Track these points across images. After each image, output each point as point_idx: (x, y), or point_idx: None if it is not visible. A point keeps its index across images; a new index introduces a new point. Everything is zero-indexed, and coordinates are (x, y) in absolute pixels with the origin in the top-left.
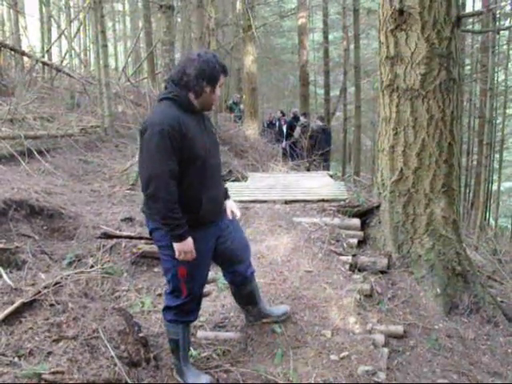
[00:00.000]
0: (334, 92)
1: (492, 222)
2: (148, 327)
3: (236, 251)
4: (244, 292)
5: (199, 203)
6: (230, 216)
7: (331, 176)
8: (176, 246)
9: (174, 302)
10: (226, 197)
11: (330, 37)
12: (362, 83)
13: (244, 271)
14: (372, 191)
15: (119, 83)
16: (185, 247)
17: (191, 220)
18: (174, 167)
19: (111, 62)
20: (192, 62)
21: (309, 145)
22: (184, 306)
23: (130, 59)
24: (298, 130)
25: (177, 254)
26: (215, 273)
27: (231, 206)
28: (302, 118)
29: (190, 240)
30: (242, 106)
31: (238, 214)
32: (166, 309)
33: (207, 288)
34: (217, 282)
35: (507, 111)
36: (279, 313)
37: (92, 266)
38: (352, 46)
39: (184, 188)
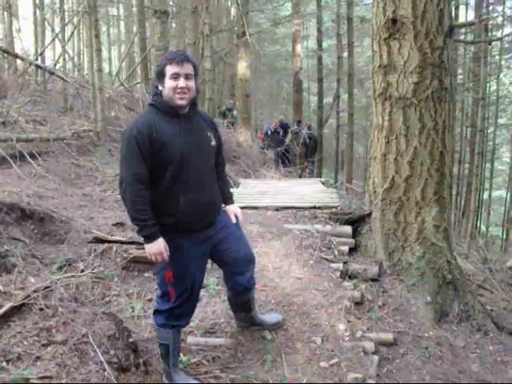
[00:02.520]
0: (328, 99)
1: (483, 230)
2: (138, 332)
3: (238, 262)
4: (241, 300)
5: (177, 204)
6: (233, 220)
7: (323, 183)
8: (145, 247)
9: (164, 305)
10: (228, 201)
11: (324, 44)
12: (355, 91)
13: (246, 282)
14: (364, 199)
15: (113, 88)
16: (153, 248)
17: (171, 223)
18: (140, 171)
19: (105, 66)
20: None
21: (301, 152)
22: (174, 311)
23: (123, 64)
24: (288, 136)
25: (147, 255)
26: (206, 279)
27: (235, 210)
28: (295, 126)
29: (159, 241)
30: (235, 112)
31: (241, 217)
32: (157, 312)
33: None
34: (207, 287)
35: (499, 121)
36: (271, 322)
37: (82, 271)
38: (346, 54)
39: (162, 189)
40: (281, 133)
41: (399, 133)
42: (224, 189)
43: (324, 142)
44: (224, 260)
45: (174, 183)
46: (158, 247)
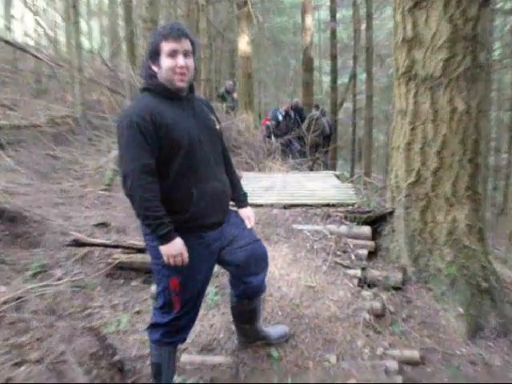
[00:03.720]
0: (342, 79)
1: None
2: (124, 349)
3: (251, 261)
4: (248, 308)
5: (189, 198)
6: (248, 225)
7: (338, 177)
8: (162, 249)
9: (164, 318)
10: (242, 203)
11: (338, 15)
12: (375, 69)
13: (260, 283)
14: (385, 195)
15: (93, 66)
16: (171, 249)
17: (181, 221)
18: (147, 161)
19: (84, 41)
20: None
21: (313, 141)
22: (175, 323)
23: (106, 39)
24: (306, 122)
25: (164, 258)
26: None
27: (248, 215)
28: (313, 111)
29: (178, 241)
30: (235, 95)
31: (253, 223)
32: (153, 327)
33: None
34: (205, 297)
35: None
36: (277, 335)
37: (60, 279)
38: (363, 27)
39: (171, 182)
40: (292, 116)
41: (426, 118)
42: (235, 186)
43: (339, 129)
44: (236, 259)
45: (184, 173)
46: (177, 247)
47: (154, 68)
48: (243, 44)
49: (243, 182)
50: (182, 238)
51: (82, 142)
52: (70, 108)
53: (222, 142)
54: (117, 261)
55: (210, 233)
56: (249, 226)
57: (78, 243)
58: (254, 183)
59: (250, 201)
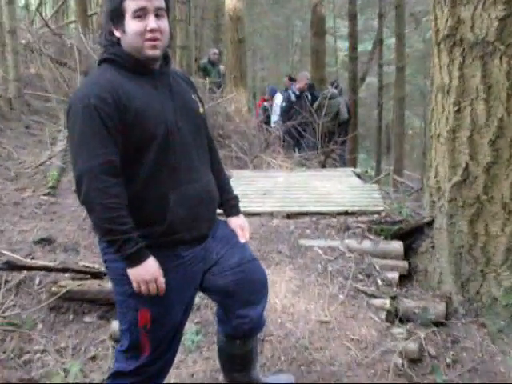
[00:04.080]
0: (365, 46)
1: None
2: None
3: (248, 287)
4: (241, 351)
5: (165, 204)
6: (241, 238)
7: (359, 175)
8: (130, 272)
9: (130, 364)
10: (232, 210)
11: None
12: (407, 32)
13: (258, 317)
14: (422, 199)
15: (31, 29)
16: (143, 273)
17: (155, 236)
18: (109, 158)
19: None
20: None
21: (326, 128)
22: (145, 370)
23: None
24: (317, 102)
25: (134, 285)
26: None
27: (241, 224)
28: (330, 88)
29: (151, 262)
30: (221, 68)
31: (247, 236)
32: (116, 376)
33: None
34: (183, 337)
35: None
36: None
37: None
38: None
39: (140, 185)
40: (309, 98)
41: (476, 96)
42: (224, 188)
43: (360, 112)
44: (224, 285)
45: (158, 173)
46: (151, 270)
47: (117, 33)
48: None
49: (233, 184)
50: (156, 257)
51: (16, 131)
52: (1, 85)
53: (207, 131)
54: (64, 289)
55: (192, 250)
56: (242, 240)
57: (11, 266)
58: (247, 185)
59: (242, 208)
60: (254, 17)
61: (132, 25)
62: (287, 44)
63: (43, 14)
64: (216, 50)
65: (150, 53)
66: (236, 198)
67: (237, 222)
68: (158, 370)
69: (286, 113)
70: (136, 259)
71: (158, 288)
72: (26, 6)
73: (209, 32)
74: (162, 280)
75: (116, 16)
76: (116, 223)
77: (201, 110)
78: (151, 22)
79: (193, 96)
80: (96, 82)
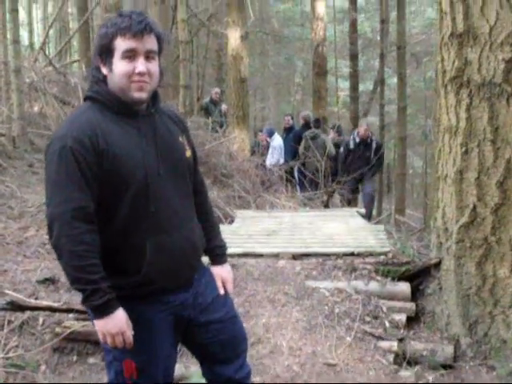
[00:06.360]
0: (366, 85)
1: None
2: None
3: (223, 346)
4: None
5: (142, 253)
6: (221, 290)
7: (363, 216)
8: (96, 323)
9: None
10: (217, 258)
11: (360, 1)
12: (408, 72)
13: (232, 374)
14: (425, 239)
15: (36, 68)
16: (109, 326)
17: (133, 285)
18: (83, 203)
19: (24, 35)
20: None
21: (326, 168)
22: None
23: (52, 32)
24: (302, 144)
25: (100, 337)
26: (184, 366)
27: (223, 276)
28: (313, 129)
29: (119, 315)
30: (223, 107)
31: (231, 288)
32: None
33: None
34: (188, 380)
35: None
36: None
37: None
38: (393, 16)
39: (116, 232)
40: (373, 145)
41: (483, 138)
42: (211, 233)
43: None
44: (205, 345)
45: (135, 220)
46: (117, 323)
47: (104, 70)
48: (234, 39)
49: (237, 224)
50: (133, 305)
51: (20, 170)
52: (5, 124)
53: (197, 174)
54: (68, 330)
55: (179, 295)
56: (221, 292)
57: (15, 306)
58: (251, 225)
59: (246, 249)
60: (256, 56)
61: (120, 65)
62: (288, 83)
63: (47, 53)
64: (218, 90)
65: (136, 95)
66: (222, 247)
67: (219, 273)
68: None
69: (343, 160)
70: (103, 311)
71: (125, 342)
72: (31, 45)
73: (211, 71)
74: (129, 334)
75: (105, 53)
76: (84, 272)
77: (187, 153)
78: (140, 64)
79: (180, 138)
80: (75, 123)
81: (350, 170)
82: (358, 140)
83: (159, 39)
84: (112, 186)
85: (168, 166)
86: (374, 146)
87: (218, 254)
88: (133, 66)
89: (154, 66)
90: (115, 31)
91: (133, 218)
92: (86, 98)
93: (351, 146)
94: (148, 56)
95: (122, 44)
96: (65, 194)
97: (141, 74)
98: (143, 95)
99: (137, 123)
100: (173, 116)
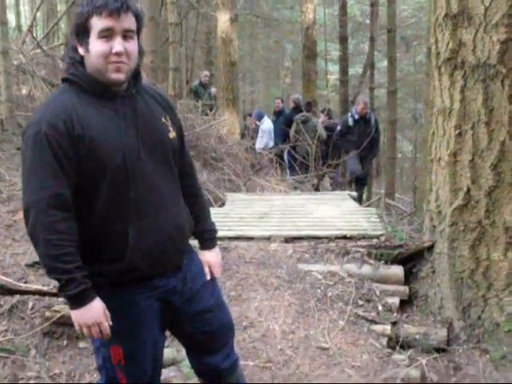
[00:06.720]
0: (355, 69)
1: None
2: None
3: (210, 335)
4: None
5: (124, 240)
6: (207, 276)
7: (355, 199)
8: (72, 313)
9: None
10: (206, 243)
11: None
12: (399, 56)
13: (219, 363)
14: (416, 223)
15: (23, 50)
16: (85, 316)
17: (116, 273)
18: (59, 190)
19: (11, 17)
20: None
21: (318, 151)
22: None
23: (39, 14)
24: (293, 127)
25: (76, 327)
26: (177, 350)
27: (210, 261)
28: (304, 113)
29: (95, 305)
30: (213, 90)
31: (218, 273)
32: None
33: (164, 374)
34: (179, 364)
35: None
36: None
37: None
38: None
39: (96, 219)
40: (372, 122)
41: (477, 120)
42: (200, 216)
43: None
44: (192, 333)
45: (116, 207)
46: (93, 314)
47: (81, 50)
48: (224, 22)
49: (228, 207)
50: (118, 290)
51: (8, 153)
52: None
53: (184, 156)
54: (58, 314)
55: (166, 281)
56: (207, 278)
57: (4, 290)
58: (243, 208)
59: (238, 232)
60: (246, 40)
61: (97, 45)
62: (278, 67)
63: (35, 35)
64: (207, 73)
65: (113, 76)
66: (211, 231)
67: (206, 258)
68: None
69: (340, 137)
70: (78, 301)
71: (102, 333)
72: (18, 28)
73: (200, 54)
74: (105, 325)
75: (81, 32)
76: (59, 261)
77: (170, 135)
78: (117, 44)
79: (163, 119)
80: (50, 107)
81: (350, 149)
82: (357, 117)
83: (137, 17)
84: (90, 171)
85: (150, 149)
86: (372, 122)
87: (207, 239)
88: (110, 45)
89: (131, 46)
90: (91, 10)
91: (113, 204)
92: (64, 80)
93: (350, 123)
94: (125, 35)
95: (97, 23)
96: (40, 182)
97: (118, 54)
98: (121, 76)
99: (115, 105)
100: (156, 95)
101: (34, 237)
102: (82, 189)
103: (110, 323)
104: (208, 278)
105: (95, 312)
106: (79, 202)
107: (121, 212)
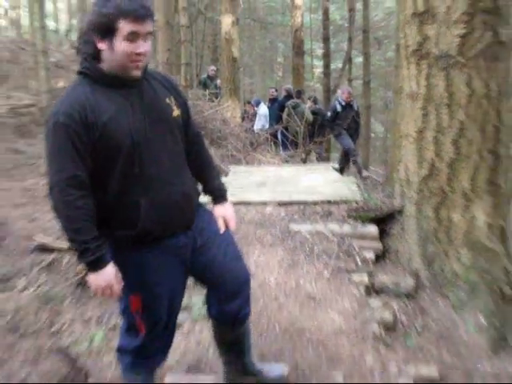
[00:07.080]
0: (336, 64)
1: None
2: (99, 371)
3: (227, 283)
4: (229, 337)
5: (136, 210)
6: (222, 229)
7: (336, 170)
8: (88, 277)
9: (131, 342)
10: (218, 198)
11: None
12: (372, 52)
13: (236, 311)
14: (386, 190)
15: (61, 50)
16: (99, 280)
17: (130, 238)
18: (75, 173)
19: (50, 22)
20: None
21: (305, 131)
22: (144, 348)
23: (74, 21)
24: (285, 112)
25: (92, 288)
26: (187, 297)
27: (225, 213)
28: (295, 99)
29: (108, 270)
30: (218, 82)
31: (233, 225)
32: (121, 351)
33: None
34: (190, 309)
35: None
36: (272, 375)
37: (23, 290)
38: (359, 5)
39: (112, 194)
40: (355, 107)
41: (440, 102)
42: (210, 178)
43: None
44: (207, 278)
45: (128, 182)
46: (106, 278)
47: (101, 46)
48: (227, 25)
49: (231, 177)
50: (133, 249)
51: None
52: (34, 96)
53: (191, 127)
54: None
55: (177, 239)
56: (221, 230)
57: (44, 248)
58: (243, 178)
59: (239, 198)
60: (245, 40)
61: (123, 46)
62: (272, 62)
63: (70, 37)
64: (214, 67)
65: (134, 73)
66: (221, 190)
67: (219, 212)
68: (158, 347)
69: (330, 121)
70: (93, 266)
71: (112, 294)
72: (56, 30)
73: (208, 52)
74: (116, 288)
75: (105, 31)
76: (76, 233)
77: (174, 113)
78: (141, 46)
79: (167, 99)
80: (66, 99)
81: (340, 130)
82: (343, 103)
83: (153, 21)
84: (104, 153)
85: (155, 128)
86: (355, 107)
87: (218, 196)
88: (133, 46)
89: (148, 46)
90: (119, 13)
91: (125, 181)
92: (79, 73)
93: (338, 109)
94: (146, 38)
95: (125, 26)
96: (59, 165)
97: (140, 54)
98: (138, 73)
99: (124, 92)
100: (161, 79)
101: (57, 212)
102: (98, 168)
103: (122, 285)
104: (222, 230)
105: (107, 276)
106: (95, 182)
107: (132, 187)
